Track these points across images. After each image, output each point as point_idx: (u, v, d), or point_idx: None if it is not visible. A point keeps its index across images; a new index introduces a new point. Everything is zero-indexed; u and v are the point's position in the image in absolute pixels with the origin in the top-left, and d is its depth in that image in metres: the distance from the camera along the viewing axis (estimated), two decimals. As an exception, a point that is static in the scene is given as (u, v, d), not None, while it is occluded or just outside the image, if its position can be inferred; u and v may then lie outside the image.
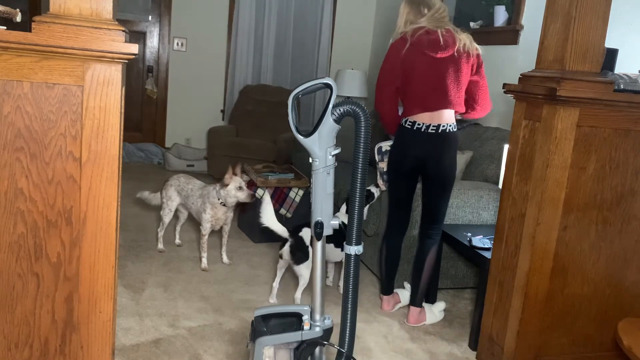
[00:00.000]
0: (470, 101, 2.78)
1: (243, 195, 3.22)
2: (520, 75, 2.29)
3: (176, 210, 3.56)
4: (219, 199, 3.24)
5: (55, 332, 1.64)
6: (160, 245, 3.54)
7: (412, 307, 2.86)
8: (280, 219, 3.88)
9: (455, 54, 2.64)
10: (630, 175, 2.27)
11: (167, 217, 3.49)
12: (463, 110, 2.76)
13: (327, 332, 1.93)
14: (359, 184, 1.76)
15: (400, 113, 2.81)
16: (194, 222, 3.88)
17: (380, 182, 3.13)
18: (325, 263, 1.92)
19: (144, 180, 5.17)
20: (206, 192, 3.31)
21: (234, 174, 3.21)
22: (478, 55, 2.71)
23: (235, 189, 3.19)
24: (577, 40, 2.05)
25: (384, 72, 2.76)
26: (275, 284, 2.98)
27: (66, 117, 1.52)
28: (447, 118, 2.70)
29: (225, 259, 3.45)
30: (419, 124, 2.69)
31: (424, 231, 2.85)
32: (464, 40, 2.66)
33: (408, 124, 2.72)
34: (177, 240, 3.69)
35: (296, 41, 6.32)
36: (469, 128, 3.94)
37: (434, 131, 2.68)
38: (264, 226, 2.73)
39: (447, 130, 2.69)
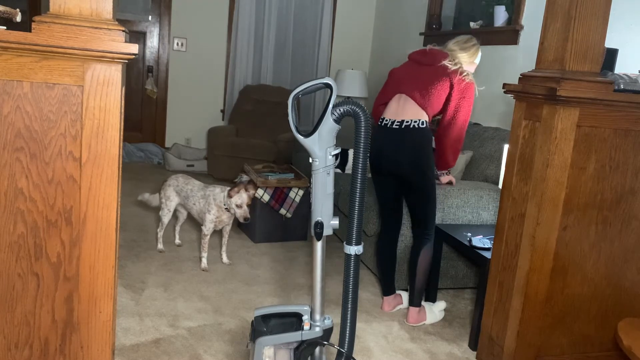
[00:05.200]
0: (445, 117, 2.80)
1: (239, 213, 3.20)
2: (520, 75, 2.29)
3: (175, 210, 3.56)
4: (224, 204, 3.25)
5: (55, 332, 1.64)
6: (160, 246, 3.54)
7: (411, 307, 2.87)
8: (280, 219, 3.91)
9: (436, 66, 2.74)
10: (630, 175, 2.27)
11: (166, 217, 3.49)
12: (425, 114, 2.73)
13: (327, 332, 1.93)
14: (359, 184, 1.76)
15: None
16: (194, 222, 3.88)
17: None
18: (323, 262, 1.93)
19: (144, 180, 5.17)
20: (210, 192, 3.30)
21: (245, 190, 3.21)
22: (458, 87, 2.71)
23: (235, 205, 3.20)
24: (577, 40, 2.05)
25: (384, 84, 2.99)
26: None
27: (66, 117, 1.52)
28: (412, 114, 2.72)
29: (225, 259, 3.45)
30: (386, 120, 2.77)
31: (414, 232, 2.87)
32: (452, 66, 2.72)
33: (379, 121, 2.83)
34: (177, 241, 3.69)
35: (296, 41, 6.32)
36: (469, 128, 3.94)
37: (397, 127, 2.73)
38: None
39: (412, 126, 2.71)
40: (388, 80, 2.93)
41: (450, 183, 3.19)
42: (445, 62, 2.74)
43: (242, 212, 3.19)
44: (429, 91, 2.72)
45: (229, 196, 3.21)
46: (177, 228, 3.71)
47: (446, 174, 3.14)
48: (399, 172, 2.75)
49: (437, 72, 2.74)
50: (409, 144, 2.72)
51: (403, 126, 2.72)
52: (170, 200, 3.47)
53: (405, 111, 2.74)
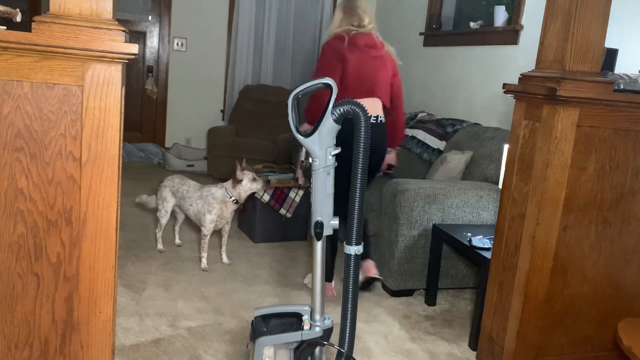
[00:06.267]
0: (395, 99, 3.08)
1: (259, 185, 3.32)
2: (520, 75, 2.29)
3: (173, 211, 3.56)
4: (230, 197, 3.26)
5: (55, 332, 1.64)
6: (160, 246, 3.54)
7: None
8: (280, 219, 3.91)
9: (383, 55, 2.99)
10: (630, 175, 2.27)
11: (163, 218, 3.48)
12: (388, 103, 3.01)
13: (327, 332, 1.93)
14: (359, 184, 1.76)
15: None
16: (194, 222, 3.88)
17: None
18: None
19: (144, 180, 5.17)
20: (207, 192, 3.30)
21: (243, 169, 3.27)
22: (394, 61, 3.05)
23: (249, 182, 3.27)
24: (577, 40, 2.05)
25: (328, 64, 2.95)
26: None
27: (66, 117, 1.52)
28: (378, 109, 2.96)
29: (225, 259, 3.45)
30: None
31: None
32: (387, 46, 3.02)
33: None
34: (177, 241, 3.69)
35: (296, 41, 6.32)
36: (469, 128, 3.94)
37: (374, 121, 2.92)
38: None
39: (379, 122, 2.95)
40: (346, 70, 2.90)
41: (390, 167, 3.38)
42: (387, 48, 3.00)
43: (261, 183, 3.31)
44: (386, 87, 3.00)
45: (239, 181, 3.25)
46: (177, 228, 3.71)
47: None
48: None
49: (387, 63, 2.99)
50: (383, 138, 2.98)
51: (378, 121, 2.94)
52: (166, 201, 3.46)
53: (376, 106, 2.95)
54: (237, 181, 3.25)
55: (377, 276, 3.06)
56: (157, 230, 3.54)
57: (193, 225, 3.99)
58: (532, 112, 2.22)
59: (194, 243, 3.74)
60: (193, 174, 5.68)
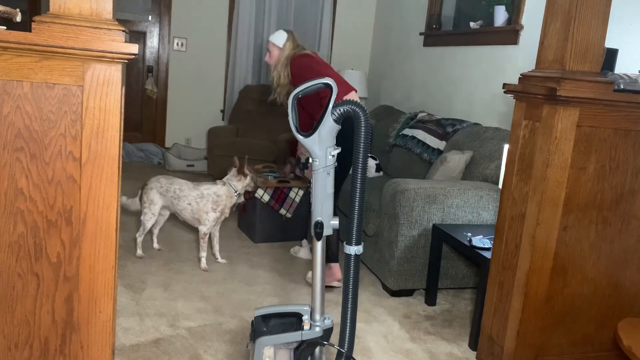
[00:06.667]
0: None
1: (252, 182, 3.50)
2: (520, 75, 2.29)
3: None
4: (236, 192, 3.35)
5: (55, 332, 1.64)
6: (140, 251, 3.41)
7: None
8: (280, 219, 3.90)
9: None
10: (630, 175, 2.27)
11: (150, 222, 3.35)
12: None
13: (327, 332, 1.93)
14: (359, 184, 1.76)
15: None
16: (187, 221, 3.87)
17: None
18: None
19: (144, 180, 5.16)
20: (209, 191, 3.29)
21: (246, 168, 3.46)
22: None
23: (250, 179, 3.42)
24: (577, 40, 2.05)
25: (316, 72, 3.19)
26: None
27: (66, 117, 1.52)
28: None
29: (219, 258, 3.45)
30: None
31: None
32: None
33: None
34: (155, 245, 3.56)
35: (296, 41, 6.31)
36: (469, 128, 3.94)
37: None
38: None
39: None
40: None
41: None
42: None
43: (252, 182, 3.50)
44: None
45: (245, 176, 3.37)
46: (155, 231, 3.56)
47: None
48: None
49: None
50: None
51: None
52: (154, 204, 3.34)
53: None
54: (245, 176, 3.37)
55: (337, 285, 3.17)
56: (137, 235, 3.40)
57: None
58: (532, 112, 2.22)
59: (193, 243, 3.74)
60: (193, 174, 5.68)
